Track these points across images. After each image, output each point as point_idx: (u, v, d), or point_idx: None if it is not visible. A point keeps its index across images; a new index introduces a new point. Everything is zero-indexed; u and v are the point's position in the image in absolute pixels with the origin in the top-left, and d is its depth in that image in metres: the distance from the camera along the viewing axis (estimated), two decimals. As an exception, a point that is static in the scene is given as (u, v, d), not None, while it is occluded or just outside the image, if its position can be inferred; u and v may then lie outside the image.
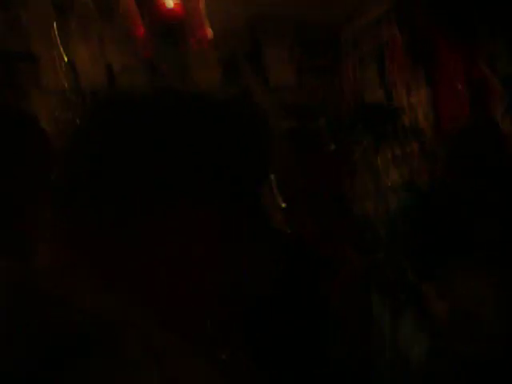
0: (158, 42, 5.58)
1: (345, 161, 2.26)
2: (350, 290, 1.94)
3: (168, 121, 0.74)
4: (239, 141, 0.77)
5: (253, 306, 2.03)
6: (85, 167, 0.70)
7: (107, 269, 0.69)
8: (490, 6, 4.06)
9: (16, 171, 1.20)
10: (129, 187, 0.69)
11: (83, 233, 0.70)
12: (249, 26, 6.34)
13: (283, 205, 2.30)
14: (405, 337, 4.04)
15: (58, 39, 4.63)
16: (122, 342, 0.60)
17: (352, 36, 6.42)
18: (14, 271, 0.72)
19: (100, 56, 5.02)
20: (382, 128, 4.87)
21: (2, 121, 1.21)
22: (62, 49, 4.63)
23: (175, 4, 5.19)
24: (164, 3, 5.14)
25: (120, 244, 0.69)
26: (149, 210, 0.70)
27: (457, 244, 2.33)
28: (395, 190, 5.53)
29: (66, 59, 4.66)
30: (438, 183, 2.57)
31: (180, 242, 0.72)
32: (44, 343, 0.61)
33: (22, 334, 0.61)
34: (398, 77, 5.55)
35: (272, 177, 2.40)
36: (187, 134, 0.72)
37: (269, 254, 2.10)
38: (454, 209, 2.37)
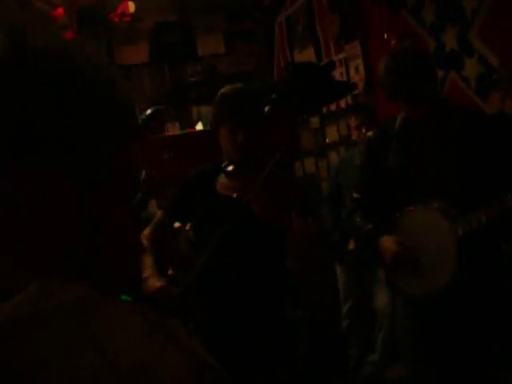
0: (80, 22, 5.45)
1: (286, 126, 2.24)
2: (302, 254, 1.95)
3: None
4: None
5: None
6: None
7: None
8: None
9: None
10: None
11: None
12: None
13: (230, 168, 2.29)
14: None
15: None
16: None
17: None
18: None
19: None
20: (316, 86, 4.88)
21: None
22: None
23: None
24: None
25: None
26: None
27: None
28: (334, 146, 5.60)
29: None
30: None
31: None
32: None
33: None
34: (327, 33, 5.56)
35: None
36: None
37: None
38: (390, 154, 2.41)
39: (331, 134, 5.64)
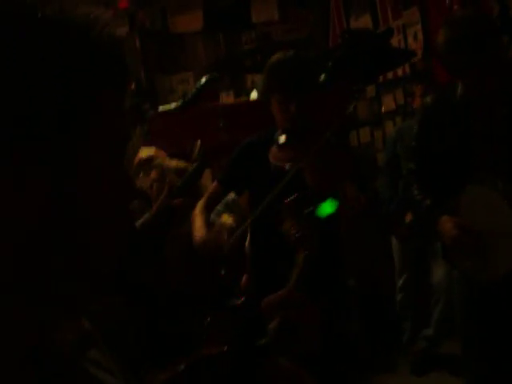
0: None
1: (342, 94, 2.18)
2: (354, 227, 1.92)
3: None
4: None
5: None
6: None
7: None
8: None
9: None
10: None
11: None
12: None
13: (283, 139, 2.26)
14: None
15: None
16: None
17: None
18: None
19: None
20: (373, 55, 4.76)
21: None
22: None
23: None
24: None
25: None
26: None
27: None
28: (390, 115, 5.48)
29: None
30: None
31: None
32: None
33: None
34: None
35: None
36: None
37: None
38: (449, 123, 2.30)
39: (387, 103, 5.52)
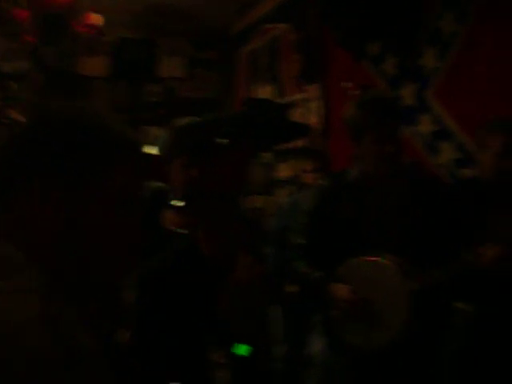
0: (45, 27, 5.36)
1: (241, 161, 2.20)
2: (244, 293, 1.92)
3: None
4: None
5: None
6: None
7: None
8: (377, 13, 4.16)
9: None
10: None
11: None
12: (142, 15, 6.23)
13: (180, 203, 2.23)
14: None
15: None
16: None
17: (243, 30, 6.45)
18: None
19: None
20: (272, 125, 4.89)
21: None
22: None
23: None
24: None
25: None
26: None
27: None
28: (284, 183, 5.61)
29: None
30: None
31: None
32: None
33: None
34: (289, 71, 5.61)
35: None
36: None
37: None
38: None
39: (281, 172, 5.66)
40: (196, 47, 6.99)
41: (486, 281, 2.46)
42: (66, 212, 0.92)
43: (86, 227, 0.94)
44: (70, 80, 6.42)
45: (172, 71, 6.91)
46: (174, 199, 2.23)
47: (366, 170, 2.43)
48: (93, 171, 0.95)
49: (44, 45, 5.86)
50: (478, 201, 2.65)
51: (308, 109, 5.31)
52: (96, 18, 5.36)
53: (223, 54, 6.92)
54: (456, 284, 2.33)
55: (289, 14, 5.59)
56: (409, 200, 2.38)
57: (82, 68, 6.52)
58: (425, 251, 2.31)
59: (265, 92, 5.97)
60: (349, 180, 2.48)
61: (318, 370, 3.88)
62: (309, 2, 5.07)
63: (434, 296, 2.31)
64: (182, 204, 2.21)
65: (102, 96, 6.62)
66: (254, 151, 3.22)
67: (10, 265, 0.85)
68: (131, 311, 1.83)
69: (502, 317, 2.64)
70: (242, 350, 1.83)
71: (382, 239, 2.38)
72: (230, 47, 6.77)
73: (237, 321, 2.07)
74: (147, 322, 1.89)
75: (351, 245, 2.43)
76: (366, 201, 2.42)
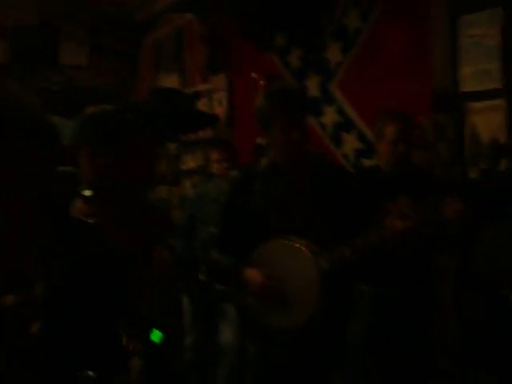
0: None
1: (147, 151, 2.17)
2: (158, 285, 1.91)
3: None
4: None
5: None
6: None
7: None
8: (285, 7, 4.22)
9: None
10: None
11: None
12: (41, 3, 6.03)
13: (88, 193, 2.18)
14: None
15: None
16: None
17: (149, 18, 6.36)
18: None
19: None
20: (179, 114, 4.86)
21: None
22: None
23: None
24: None
25: None
26: None
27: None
28: (189, 174, 5.60)
29: None
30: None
31: None
32: None
33: None
34: (195, 61, 5.59)
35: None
36: None
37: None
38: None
39: (187, 162, 5.65)
40: (98, 34, 6.83)
41: (387, 262, 2.57)
42: None
43: None
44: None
45: (73, 59, 6.72)
46: (83, 188, 2.18)
47: (274, 159, 2.47)
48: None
49: None
50: (377, 188, 2.78)
51: (213, 99, 5.33)
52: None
53: (127, 42, 6.80)
54: (360, 266, 2.41)
55: (194, 4, 5.57)
56: (313, 187, 2.45)
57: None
58: (329, 235, 2.39)
59: (170, 82, 5.92)
60: (259, 170, 2.52)
61: (230, 357, 3.92)
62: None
63: (343, 275, 2.39)
64: (90, 194, 2.17)
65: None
66: (161, 141, 3.20)
67: None
68: (41, 302, 1.78)
69: (399, 299, 2.80)
70: (156, 336, 1.83)
71: (290, 225, 2.43)
72: (134, 35, 6.66)
73: (150, 310, 2.06)
74: (57, 313, 1.85)
75: (262, 233, 2.47)
76: (274, 189, 2.47)
